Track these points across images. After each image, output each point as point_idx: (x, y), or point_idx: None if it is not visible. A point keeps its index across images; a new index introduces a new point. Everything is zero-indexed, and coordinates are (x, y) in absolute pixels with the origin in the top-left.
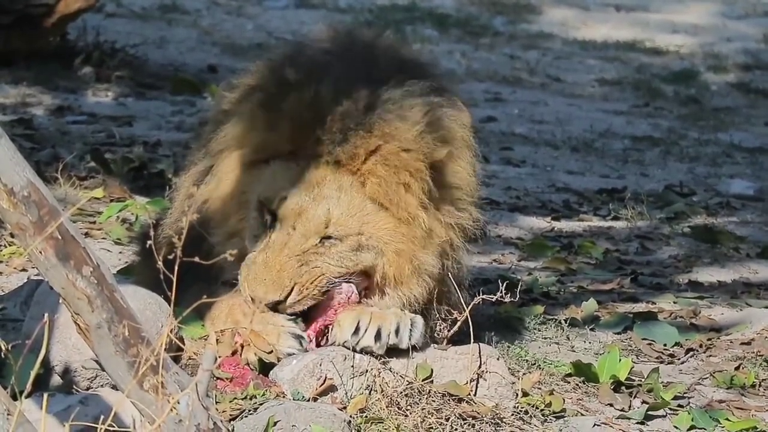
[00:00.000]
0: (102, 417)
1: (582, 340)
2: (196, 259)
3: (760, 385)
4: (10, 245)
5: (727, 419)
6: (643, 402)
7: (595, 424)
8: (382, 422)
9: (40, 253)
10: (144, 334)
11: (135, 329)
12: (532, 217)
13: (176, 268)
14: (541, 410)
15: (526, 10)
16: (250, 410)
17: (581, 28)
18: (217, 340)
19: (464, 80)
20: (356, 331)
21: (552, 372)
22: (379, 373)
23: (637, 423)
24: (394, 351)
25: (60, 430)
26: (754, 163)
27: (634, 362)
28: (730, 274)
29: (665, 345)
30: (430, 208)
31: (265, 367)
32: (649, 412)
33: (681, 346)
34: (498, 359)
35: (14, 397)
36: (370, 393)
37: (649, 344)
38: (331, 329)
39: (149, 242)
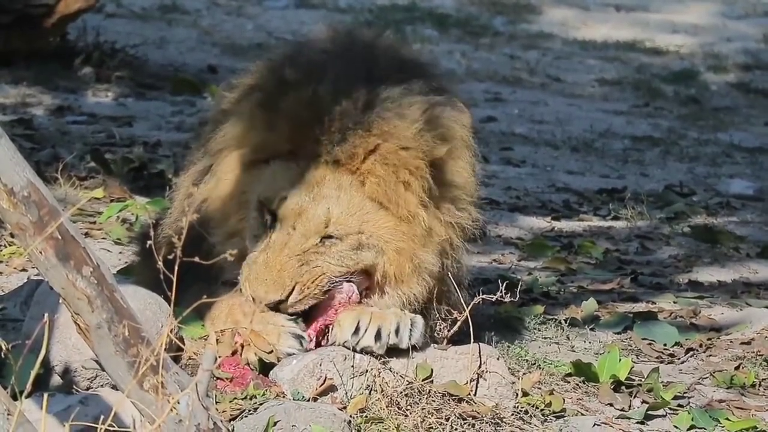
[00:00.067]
0: (102, 417)
1: (582, 339)
2: (196, 259)
3: (760, 385)
4: (10, 245)
5: (727, 419)
6: (643, 402)
7: (595, 424)
8: (382, 422)
9: (40, 253)
10: (144, 334)
11: (135, 329)
12: (532, 217)
13: (176, 268)
14: (541, 410)
15: (526, 10)
16: (250, 410)
17: (581, 28)
18: (217, 340)
19: (464, 80)
20: (356, 331)
21: (552, 372)
22: (379, 373)
23: (637, 423)
24: (394, 351)
25: (60, 430)
26: (754, 163)
27: (634, 362)
28: (730, 274)
29: (665, 345)
30: (430, 206)
31: (265, 367)
32: (649, 412)
33: (681, 346)
34: (498, 359)
35: (14, 397)
36: (370, 393)
37: (649, 344)
38: (332, 329)
39: (149, 242)
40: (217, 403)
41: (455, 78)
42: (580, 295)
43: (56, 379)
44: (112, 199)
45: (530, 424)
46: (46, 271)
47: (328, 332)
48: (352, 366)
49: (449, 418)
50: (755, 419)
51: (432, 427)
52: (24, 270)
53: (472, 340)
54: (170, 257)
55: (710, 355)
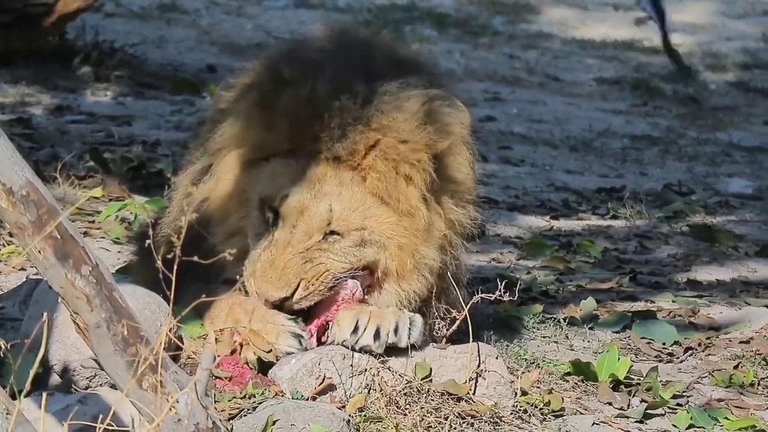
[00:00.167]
0: (101, 416)
1: (581, 338)
2: (195, 258)
3: (758, 384)
4: (8, 244)
5: (725, 418)
6: (642, 401)
7: (593, 423)
8: (381, 421)
9: (39, 252)
10: (143, 333)
11: (134, 328)
12: (531, 216)
13: (175, 267)
14: (540, 409)
15: (525, 9)
16: (249, 409)
17: (580, 28)
18: (216, 339)
19: (463, 80)
20: (355, 330)
21: (551, 371)
22: (378, 372)
23: (636, 422)
24: (393, 350)
25: (59, 430)
26: (753, 162)
27: (632, 361)
28: (729, 273)
29: (664, 344)
30: (431, 201)
31: (264, 366)
32: (648, 411)
33: (680, 345)
34: (497, 358)
35: (13, 397)
36: (369, 392)
37: (648, 343)
38: (332, 326)
39: (148, 241)
40: (216, 402)
41: (454, 77)
42: (579, 294)
43: (55, 379)
44: (111, 199)
45: (529, 423)
46: (44, 270)
47: (329, 329)
48: (351, 365)
49: (448, 417)
50: (754, 418)
51: (431, 426)
52: (23, 269)
53: (471, 339)
54: (169, 256)
55: (709, 354)
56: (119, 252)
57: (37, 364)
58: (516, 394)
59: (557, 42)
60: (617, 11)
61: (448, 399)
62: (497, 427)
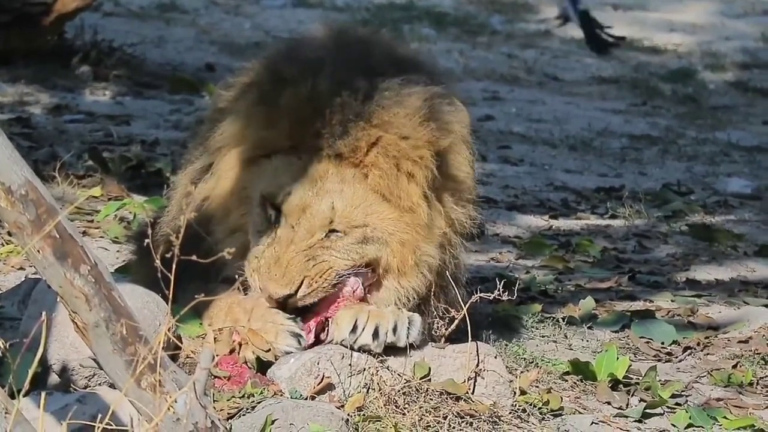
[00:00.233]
0: (100, 415)
1: (580, 338)
2: (194, 257)
3: (757, 384)
4: (7, 244)
5: (724, 417)
6: (641, 400)
7: (592, 422)
8: (380, 420)
9: (38, 251)
10: (142, 333)
11: (133, 328)
12: (530, 216)
13: (174, 266)
14: (539, 408)
15: (524, 8)
16: (247, 409)
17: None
18: (214, 338)
19: (462, 79)
20: (354, 329)
21: (550, 370)
22: (377, 371)
23: (635, 421)
24: (391, 349)
25: (58, 429)
26: (752, 161)
27: (631, 360)
28: (728, 273)
29: (663, 343)
30: (432, 198)
31: (262, 366)
32: (647, 411)
33: (679, 345)
34: (496, 357)
35: (12, 396)
36: (367, 391)
37: (647, 342)
38: (330, 325)
39: (147, 241)
40: (214, 401)
41: (454, 76)
42: (578, 294)
43: (54, 378)
44: (110, 198)
45: (528, 422)
46: (43, 269)
47: (328, 325)
48: (350, 364)
49: (447, 416)
50: (753, 417)
51: (429, 426)
52: (21, 268)
53: (469, 339)
54: (168, 256)
55: (708, 354)
56: (118, 251)
57: (35, 364)
58: (515, 393)
59: (556, 41)
60: (617, 10)
61: (446, 398)
62: (496, 427)
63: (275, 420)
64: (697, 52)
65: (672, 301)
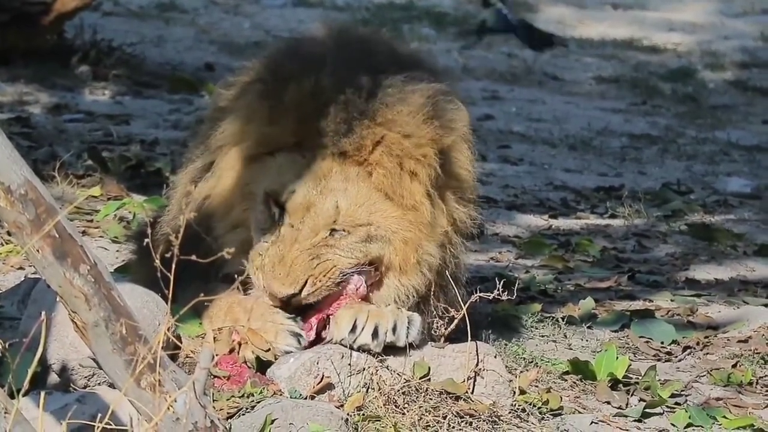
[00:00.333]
0: (99, 415)
1: (579, 337)
2: (194, 257)
3: (757, 383)
4: (7, 243)
5: (724, 417)
6: (641, 400)
7: (592, 422)
8: (380, 420)
9: (38, 251)
10: (141, 332)
11: (132, 327)
12: (530, 215)
13: (173, 266)
14: (539, 408)
15: (524, 8)
16: (247, 408)
17: (578, 27)
18: (214, 338)
19: (462, 78)
20: (353, 329)
21: (549, 370)
22: (377, 371)
23: (635, 421)
24: (391, 349)
25: (57, 429)
26: (752, 161)
27: (631, 360)
28: (728, 272)
29: (662, 343)
30: (435, 197)
31: (262, 365)
32: (647, 410)
33: (678, 344)
34: (495, 357)
35: (11, 396)
36: (367, 391)
37: (647, 342)
38: (330, 324)
39: (146, 240)
40: (214, 401)
41: (455, 76)
42: (578, 293)
43: (53, 378)
44: (110, 198)
45: (527, 422)
46: (43, 269)
47: (329, 322)
48: (349, 364)
49: (446, 416)
50: (752, 417)
51: (429, 425)
52: (21, 268)
53: (469, 338)
54: (167, 255)
55: (707, 353)
56: (117, 251)
57: (35, 363)
58: (514, 393)
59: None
60: (616, 10)
61: (446, 398)
62: (495, 426)
63: (275, 419)
64: (697, 51)
65: (671, 300)
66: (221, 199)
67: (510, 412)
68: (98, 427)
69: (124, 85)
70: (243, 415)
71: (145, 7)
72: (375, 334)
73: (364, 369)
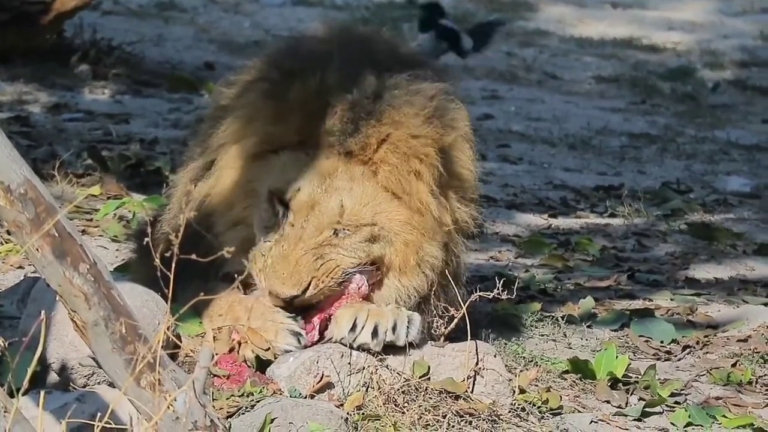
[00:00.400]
0: (99, 414)
1: (579, 337)
2: (194, 256)
3: (756, 382)
4: (6, 242)
5: (723, 416)
6: (640, 399)
7: (592, 421)
8: (379, 419)
9: (37, 250)
10: (141, 332)
11: (132, 326)
12: (529, 215)
13: (173, 265)
14: (538, 407)
15: (523, 7)
16: (247, 407)
17: (578, 26)
18: (214, 337)
19: (461, 78)
20: (353, 328)
21: (549, 369)
22: (376, 370)
23: (634, 420)
24: (391, 348)
25: (57, 428)
26: (751, 160)
27: (631, 359)
28: (727, 271)
29: (662, 342)
30: (439, 196)
31: (262, 365)
32: (646, 409)
33: (678, 343)
34: (495, 356)
35: (11, 395)
36: (367, 390)
37: (646, 341)
38: (330, 324)
39: (146, 239)
40: (214, 400)
41: (456, 75)
42: (577, 293)
43: (53, 377)
44: (109, 197)
45: (527, 421)
46: (42, 268)
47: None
48: (349, 363)
49: (446, 415)
50: (752, 416)
51: (429, 425)
52: (21, 267)
53: (469, 338)
54: (167, 254)
55: (707, 353)
56: (117, 250)
57: (35, 362)
58: (514, 392)
59: (555, 40)
60: (615, 9)
61: (446, 397)
62: (495, 425)
63: (274, 419)
64: (696, 50)
65: (671, 299)
66: (222, 196)
67: (510, 411)
68: (98, 426)
69: (123, 84)
70: (243, 414)
71: (145, 6)
72: (375, 333)
73: (363, 368)
